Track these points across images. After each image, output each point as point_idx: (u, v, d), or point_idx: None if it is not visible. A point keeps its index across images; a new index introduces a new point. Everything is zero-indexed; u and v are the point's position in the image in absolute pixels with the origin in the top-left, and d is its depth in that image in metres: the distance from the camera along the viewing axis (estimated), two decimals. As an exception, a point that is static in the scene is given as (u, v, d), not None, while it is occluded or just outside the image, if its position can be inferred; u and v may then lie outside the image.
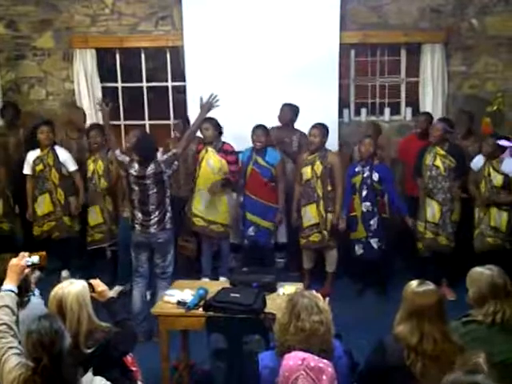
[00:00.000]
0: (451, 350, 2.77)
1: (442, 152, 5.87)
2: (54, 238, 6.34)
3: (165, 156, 5.29)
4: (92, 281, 3.23)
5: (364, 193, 5.91)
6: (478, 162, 5.91)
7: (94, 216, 6.30)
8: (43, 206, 6.31)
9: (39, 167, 6.26)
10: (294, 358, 2.45)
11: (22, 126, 7.05)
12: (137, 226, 5.24)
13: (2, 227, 6.45)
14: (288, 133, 6.53)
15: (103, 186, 6.24)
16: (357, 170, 5.98)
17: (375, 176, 5.90)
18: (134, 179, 5.17)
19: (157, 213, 5.18)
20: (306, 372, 2.39)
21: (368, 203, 5.91)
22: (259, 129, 6.09)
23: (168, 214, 5.25)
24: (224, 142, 6.17)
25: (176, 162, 5.24)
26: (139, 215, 5.21)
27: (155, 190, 5.14)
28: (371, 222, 5.92)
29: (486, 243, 5.76)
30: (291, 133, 6.53)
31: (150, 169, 5.10)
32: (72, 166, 6.36)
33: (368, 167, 5.92)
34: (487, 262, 3.29)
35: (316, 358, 2.46)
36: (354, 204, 5.99)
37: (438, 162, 5.87)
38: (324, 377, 2.41)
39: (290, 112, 6.50)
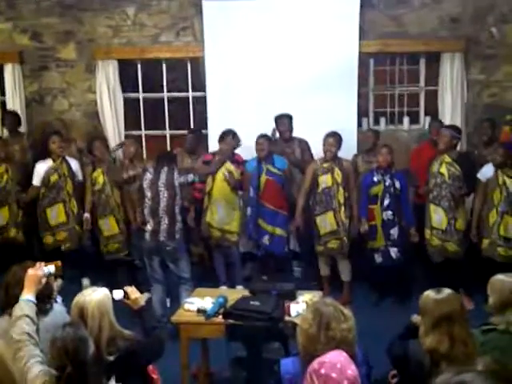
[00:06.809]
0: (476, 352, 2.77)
1: (449, 159, 5.83)
2: (66, 249, 6.27)
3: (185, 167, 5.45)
4: (126, 288, 3.28)
5: (386, 202, 5.90)
6: (486, 171, 5.82)
7: (108, 227, 6.17)
8: (57, 215, 6.25)
9: (54, 177, 6.21)
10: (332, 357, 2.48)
11: (26, 133, 7.08)
12: (147, 232, 5.40)
13: (15, 237, 6.39)
14: (289, 143, 6.54)
15: (117, 196, 6.18)
16: (376, 179, 5.96)
17: (397, 184, 5.91)
18: (147, 184, 5.37)
19: (166, 220, 5.33)
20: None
21: (390, 212, 5.91)
22: (262, 138, 6.12)
23: (178, 224, 5.41)
24: (235, 153, 6.24)
25: (191, 175, 5.38)
26: (150, 221, 5.38)
27: (166, 195, 5.32)
28: (391, 232, 5.92)
29: (497, 253, 5.66)
30: (291, 142, 6.55)
31: (163, 172, 5.32)
32: (80, 177, 6.39)
33: (388, 176, 5.92)
34: (503, 270, 3.29)
35: (352, 366, 2.48)
36: (374, 213, 5.97)
37: (443, 169, 5.82)
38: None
39: (288, 122, 6.49)
